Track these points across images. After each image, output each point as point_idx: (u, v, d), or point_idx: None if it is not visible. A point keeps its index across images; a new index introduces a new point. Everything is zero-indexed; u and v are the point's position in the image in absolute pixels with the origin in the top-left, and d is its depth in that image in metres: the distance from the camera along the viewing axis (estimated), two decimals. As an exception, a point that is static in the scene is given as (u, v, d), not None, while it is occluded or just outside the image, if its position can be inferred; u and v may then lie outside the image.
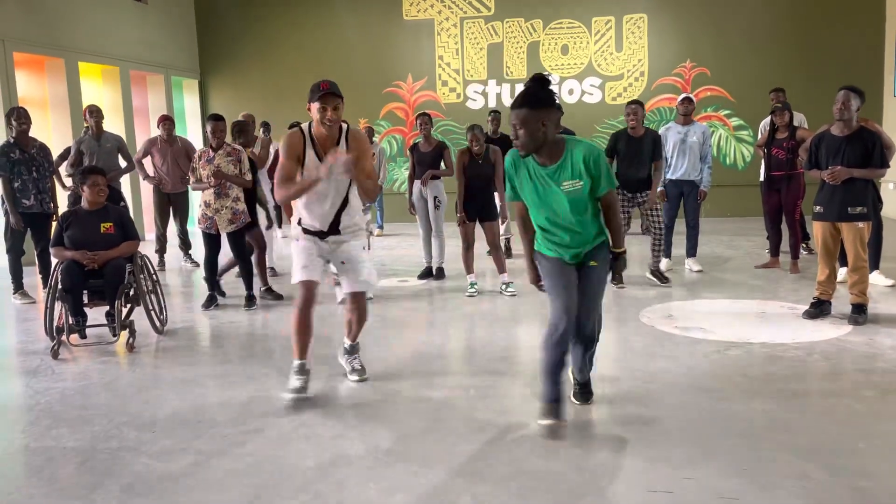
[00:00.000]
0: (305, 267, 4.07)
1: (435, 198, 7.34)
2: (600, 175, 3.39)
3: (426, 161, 7.31)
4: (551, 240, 3.54)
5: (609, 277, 3.72)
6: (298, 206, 4.12)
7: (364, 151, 4.01)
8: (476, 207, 6.67)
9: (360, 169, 3.91)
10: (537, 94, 3.29)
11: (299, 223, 4.16)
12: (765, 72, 11.45)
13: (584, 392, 3.85)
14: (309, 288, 4.06)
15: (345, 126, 4.06)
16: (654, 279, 6.89)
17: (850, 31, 11.70)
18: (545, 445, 3.31)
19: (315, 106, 3.88)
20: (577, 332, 3.53)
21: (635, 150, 6.71)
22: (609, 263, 3.58)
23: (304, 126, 4.04)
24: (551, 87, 3.35)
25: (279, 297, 6.60)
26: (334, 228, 4.10)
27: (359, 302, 4.24)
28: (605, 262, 3.56)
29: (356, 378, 4.28)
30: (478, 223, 6.72)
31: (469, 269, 6.70)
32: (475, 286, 6.65)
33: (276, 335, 5.48)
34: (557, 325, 3.43)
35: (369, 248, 4.29)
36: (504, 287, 6.58)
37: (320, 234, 4.11)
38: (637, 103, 6.79)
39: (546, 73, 3.36)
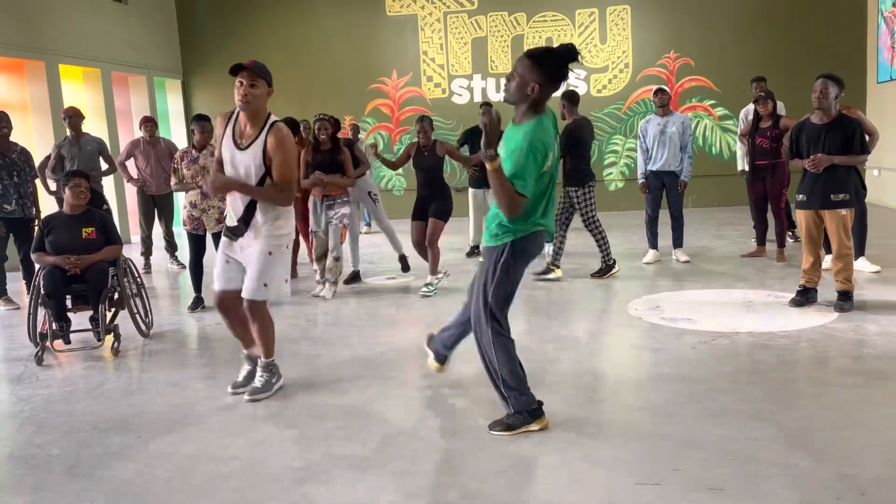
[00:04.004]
0: (219, 275, 3.97)
1: (369, 193, 7.48)
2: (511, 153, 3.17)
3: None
4: None
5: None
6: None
7: (277, 152, 3.72)
8: (424, 204, 6.55)
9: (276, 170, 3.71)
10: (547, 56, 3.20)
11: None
12: (749, 61, 11.48)
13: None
14: (220, 299, 3.98)
15: (271, 119, 3.84)
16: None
17: (833, 18, 11.75)
18: (532, 441, 3.31)
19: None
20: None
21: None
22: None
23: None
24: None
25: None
26: (244, 226, 3.84)
27: (249, 309, 3.90)
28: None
29: (247, 397, 3.96)
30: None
31: (431, 270, 6.61)
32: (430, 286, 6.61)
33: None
34: None
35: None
36: (424, 285, 6.54)
37: (234, 231, 3.89)
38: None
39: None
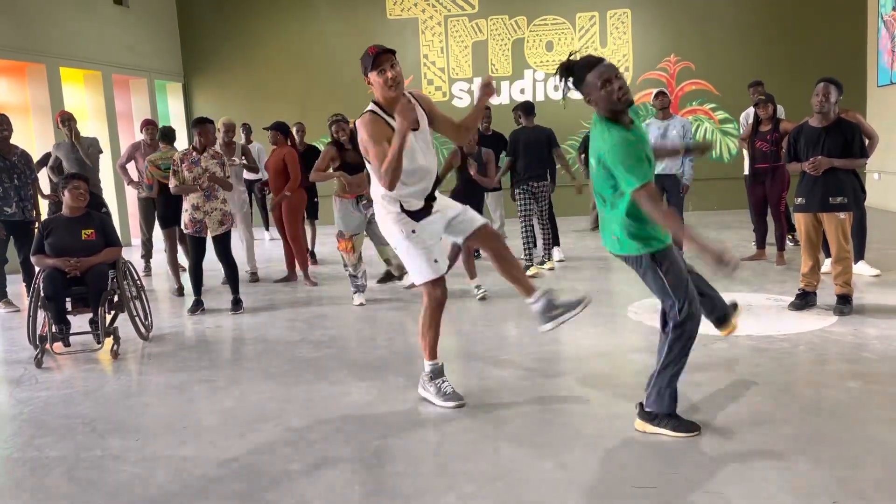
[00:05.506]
0: (430, 264, 3.75)
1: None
2: None
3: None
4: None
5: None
6: (398, 193, 3.69)
7: (429, 106, 3.85)
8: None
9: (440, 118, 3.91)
10: None
11: (402, 210, 3.72)
12: (749, 64, 11.50)
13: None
14: (442, 286, 3.79)
15: (408, 93, 3.78)
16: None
17: (833, 21, 11.77)
18: (530, 444, 3.31)
19: (373, 74, 3.60)
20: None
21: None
22: None
23: (373, 107, 3.71)
24: None
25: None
26: (432, 197, 3.80)
27: (488, 235, 3.84)
28: None
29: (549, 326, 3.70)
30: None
31: (471, 274, 6.40)
32: (480, 288, 6.38)
33: (262, 339, 5.46)
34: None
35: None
36: (475, 288, 6.38)
37: (424, 212, 3.77)
38: None
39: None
